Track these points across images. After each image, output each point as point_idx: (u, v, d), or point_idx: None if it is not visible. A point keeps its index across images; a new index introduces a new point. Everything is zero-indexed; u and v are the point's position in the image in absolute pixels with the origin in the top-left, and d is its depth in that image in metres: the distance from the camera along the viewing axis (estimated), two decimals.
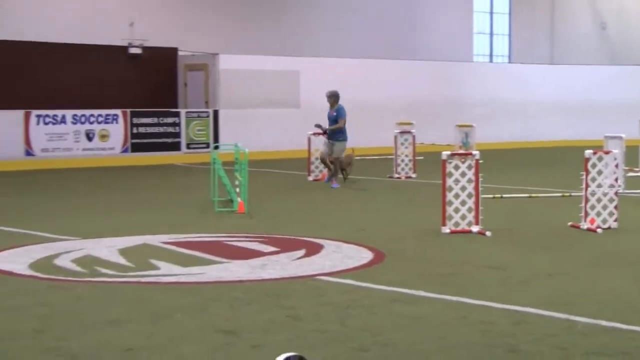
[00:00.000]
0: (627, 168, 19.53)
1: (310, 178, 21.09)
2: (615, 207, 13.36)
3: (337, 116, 19.56)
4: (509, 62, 37.77)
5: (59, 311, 8.47)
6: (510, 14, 38.11)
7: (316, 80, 29.56)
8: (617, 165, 14.06)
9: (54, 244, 12.21)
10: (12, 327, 7.85)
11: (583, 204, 13.34)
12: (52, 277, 10.04)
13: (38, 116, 25.02)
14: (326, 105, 29.37)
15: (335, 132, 19.52)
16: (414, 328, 7.79)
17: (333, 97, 19.79)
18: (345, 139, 19.63)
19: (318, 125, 19.89)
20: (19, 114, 24.76)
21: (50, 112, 25.21)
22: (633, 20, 40.23)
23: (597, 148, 14.44)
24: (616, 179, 14.02)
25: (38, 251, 11.59)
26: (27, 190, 19.45)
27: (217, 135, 27.58)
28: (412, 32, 34.46)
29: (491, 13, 37.81)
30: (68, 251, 11.57)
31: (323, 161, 19.92)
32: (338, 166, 19.53)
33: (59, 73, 26.15)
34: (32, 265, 10.65)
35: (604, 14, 39.81)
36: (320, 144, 20.39)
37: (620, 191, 14.20)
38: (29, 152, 24.81)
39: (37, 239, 12.63)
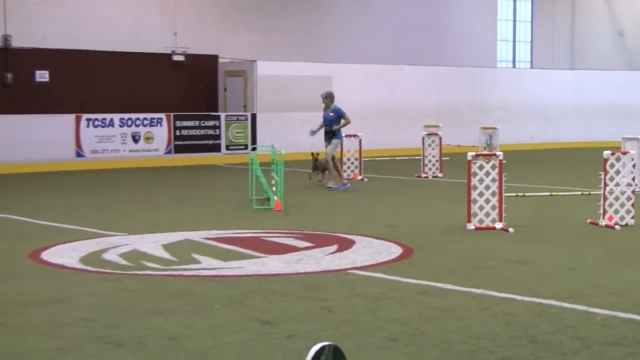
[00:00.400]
0: None
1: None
2: (632, 205, 13.30)
3: (336, 116, 18.88)
4: (531, 68, 37.56)
5: (108, 302, 8.54)
6: (532, 22, 37.89)
7: (347, 85, 29.60)
8: (634, 165, 14.00)
9: (102, 239, 12.30)
10: (65, 317, 7.92)
11: (601, 202, 13.30)
12: (101, 270, 10.12)
13: (88, 119, 25.18)
14: (356, 108, 29.40)
15: (332, 131, 18.87)
16: (440, 319, 7.78)
17: (329, 98, 19.05)
18: (340, 138, 19.19)
19: (313, 132, 19.49)
20: (71, 117, 24.94)
21: (99, 116, 25.36)
22: None
23: (615, 149, 14.36)
24: (633, 178, 13.96)
25: (88, 246, 11.69)
26: (77, 189, 19.60)
27: (255, 137, 27.64)
28: (439, 39, 34.35)
29: (514, 21, 37.62)
30: (115, 246, 11.65)
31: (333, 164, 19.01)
32: (331, 167, 18.77)
33: (107, 79, 26.32)
34: (82, 259, 10.74)
35: (621, 22, 39.56)
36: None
37: (637, 190, 14.10)
38: (79, 154, 24.97)
39: (86, 234, 12.73)
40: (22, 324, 7.72)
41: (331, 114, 18.88)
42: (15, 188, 19.83)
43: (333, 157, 18.80)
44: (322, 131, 19.19)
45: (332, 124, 18.83)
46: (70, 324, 7.66)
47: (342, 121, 18.85)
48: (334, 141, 18.80)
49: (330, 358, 3.14)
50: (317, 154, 19.54)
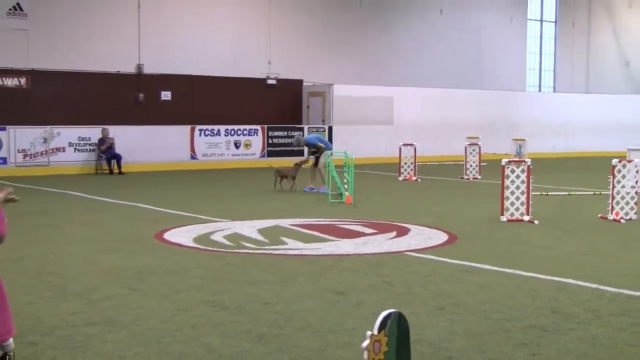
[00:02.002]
0: None
1: (400, 178, 21.01)
2: (635, 203, 13.16)
3: (314, 144, 17.94)
4: (554, 92, 37.03)
5: (214, 273, 8.63)
6: (555, 54, 37.39)
7: (405, 104, 29.57)
8: (637, 171, 13.83)
9: (210, 224, 12.44)
10: (181, 285, 8.03)
11: (610, 201, 13.15)
12: (209, 248, 10.24)
13: (200, 130, 25.51)
14: (412, 122, 29.26)
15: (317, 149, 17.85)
16: (478, 293, 7.71)
17: (299, 139, 18.93)
18: (329, 148, 17.90)
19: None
20: (187, 128, 25.30)
21: (209, 127, 25.68)
22: None
23: (622, 158, 14.14)
24: (636, 182, 13.76)
25: (199, 229, 11.83)
26: (191, 184, 19.86)
27: (331, 144, 27.67)
28: (479, 68, 34.07)
29: (540, 54, 37.15)
30: (221, 229, 11.77)
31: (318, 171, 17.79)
32: (324, 173, 17.37)
33: (216, 98, 26.62)
34: (195, 239, 10.87)
35: (628, 54, 38.92)
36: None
37: (639, 191, 13.85)
38: (193, 156, 25.30)
39: (198, 220, 12.88)
40: (148, 289, 7.85)
41: (308, 144, 18.46)
42: (144, 183, 20.17)
43: (320, 167, 17.69)
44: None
45: (314, 150, 18.04)
46: (185, 290, 7.76)
47: (319, 146, 17.89)
48: (324, 156, 17.52)
49: (396, 322, 3.13)
50: (276, 167, 18.27)
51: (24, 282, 8.13)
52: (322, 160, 17.63)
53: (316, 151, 17.85)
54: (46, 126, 22.69)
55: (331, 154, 17.36)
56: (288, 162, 26.16)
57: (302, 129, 27.30)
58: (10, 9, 23.29)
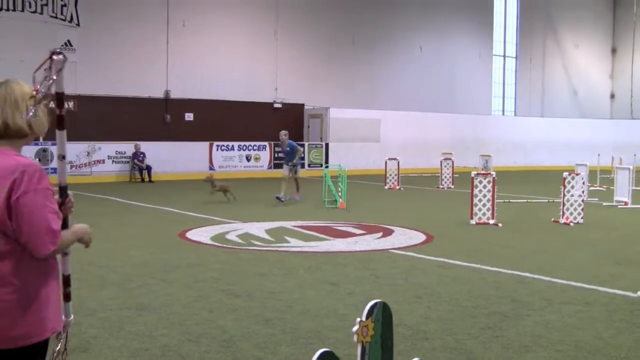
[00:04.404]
0: (589, 184, 19.13)
1: (386, 187, 21.02)
2: (582, 210, 13.19)
3: (292, 149, 16.29)
4: (515, 115, 37.11)
5: (228, 267, 8.64)
6: (515, 84, 37.48)
7: (391, 125, 29.60)
8: (583, 182, 13.90)
9: (225, 225, 12.46)
10: (201, 276, 8.04)
11: (561, 207, 13.20)
12: (224, 245, 10.25)
13: (217, 145, 25.51)
14: (396, 140, 29.23)
15: (295, 157, 16.39)
16: (451, 284, 7.72)
17: (287, 136, 16.55)
18: (299, 164, 16.89)
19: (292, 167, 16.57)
20: (206, 144, 25.30)
21: (225, 143, 25.68)
22: (594, 89, 39.74)
23: (571, 171, 14.19)
24: (582, 191, 13.83)
25: (216, 229, 11.84)
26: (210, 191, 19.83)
27: (327, 159, 27.71)
28: (453, 94, 34.09)
29: (503, 84, 37.20)
30: (234, 230, 11.79)
31: (284, 181, 16.30)
32: (300, 182, 16.73)
33: (231, 119, 26.61)
34: (212, 238, 10.89)
35: (575, 85, 39.20)
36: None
37: (585, 199, 13.89)
38: (211, 168, 25.27)
39: (215, 221, 12.89)
40: (173, 279, 7.85)
41: (287, 148, 16.39)
42: (170, 190, 20.16)
43: (297, 178, 16.62)
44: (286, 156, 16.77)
45: (292, 157, 16.35)
46: (204, 281, 7.77)
47: (297, 152, 16.43)
48: (298, 168, 16.67)
49: (381, 310, 3.14)
50: (211, 178, 16.74)
51: (72, 270, 8.11)
52: (299, 170, 16.58)
53: (293, 161, 16.31)
54: (89, 142, 22.73)
55: (293, 166, 16.22)
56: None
57: (303, 146, 27.34)
58: (62, 45, 23.51)
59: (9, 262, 2.62)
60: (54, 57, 2.79)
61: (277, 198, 16.13)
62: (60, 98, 2.90)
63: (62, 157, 3.02)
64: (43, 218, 2.61)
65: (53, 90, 2.80)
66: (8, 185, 2.59)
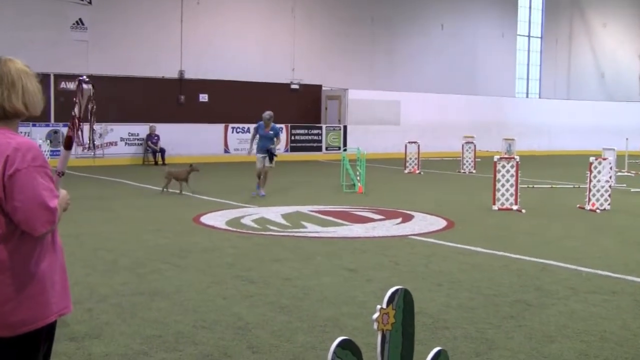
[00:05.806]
0: (617, 169, 18.99)
1: (406, 171, 20.95)
2: (609, 195, 13.07)
3: (273, 134, 14.57)
4: (539, 98, 36.76)
5: (244, 252, 8.65)
6: (540, 65, 37.09)
7: (410, 107, 29.42)
8: (610, 167, 13.78)
9: (240, 209, 12.48)
10: (215, 261, 8.06)
11: (587, 193, 13.10)
12: (239, 230, 10.27)
13: (232, 127, 25.51)
14: (416, 123, 29.07)
15: (275, 144, 14.67)
16: (472, 272, 7.68)
17: (272, 119, 14.72)
18: (275, 154, 14.78)
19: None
20: (221, 126, 25.32)
21: (240, 125, 25.66)
22: (622, 71, 39.24)
23: (598, 156, 14.06)
24: (610, 177, 13.70)
25: (231, 214, 11.87)
26: (224, 175, 19.91)
27: (346, 142, 27.62)
28: (474, 76, 33.84)
29: (528, 65, 36.85)
30: (249, 214, 11.80)
31: (259, 175, 14.69)
32: (267, 174, 14.67)
33: (246, 100, 26.55)
34: (227, 222, 10.91)
35: (603, 66, 38.69)
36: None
37: (612, 185, 13.75)
38: (226, 150, 25.32)
39: (230, 206, 12.92)
40: (187, 264, 7.88)
41: (270, 132, 14.58)
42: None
43: (266, 172, 14.63)
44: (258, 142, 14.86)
45: (270, 144, 14.53)
46: (219, 266, 7.79)
47: (277, 140, 14.74)
48: (274, 159, 14.64)
49: (402, 297, 3.11)
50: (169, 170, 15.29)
51: (82, 255, 8.18)
52: (272, 165, 14.63)
53: (268, 149, 14.53)
54: (101, 123, 22.79)
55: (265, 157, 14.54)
56: (307, 157, 26.24)
57: (320, 128, 27.28)
58: (73, 24, 23.52)
59: (7, 245, 2.65)
60: (84, 85, 3.13)
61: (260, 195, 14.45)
62: (75, 121, 3.16)
63: (61, 174, 3.18)
64: (37, 194, 2.63)
65: (77, 112, 3.13)
66: (1, 163, 2.62)
